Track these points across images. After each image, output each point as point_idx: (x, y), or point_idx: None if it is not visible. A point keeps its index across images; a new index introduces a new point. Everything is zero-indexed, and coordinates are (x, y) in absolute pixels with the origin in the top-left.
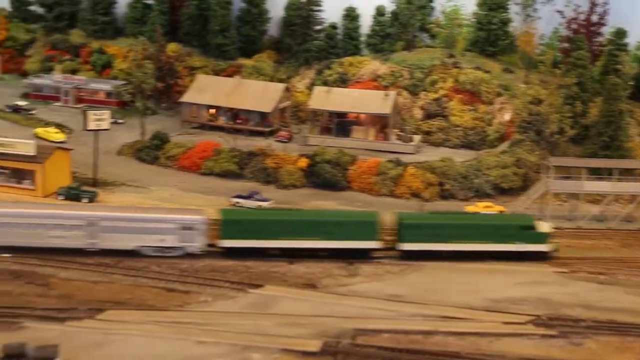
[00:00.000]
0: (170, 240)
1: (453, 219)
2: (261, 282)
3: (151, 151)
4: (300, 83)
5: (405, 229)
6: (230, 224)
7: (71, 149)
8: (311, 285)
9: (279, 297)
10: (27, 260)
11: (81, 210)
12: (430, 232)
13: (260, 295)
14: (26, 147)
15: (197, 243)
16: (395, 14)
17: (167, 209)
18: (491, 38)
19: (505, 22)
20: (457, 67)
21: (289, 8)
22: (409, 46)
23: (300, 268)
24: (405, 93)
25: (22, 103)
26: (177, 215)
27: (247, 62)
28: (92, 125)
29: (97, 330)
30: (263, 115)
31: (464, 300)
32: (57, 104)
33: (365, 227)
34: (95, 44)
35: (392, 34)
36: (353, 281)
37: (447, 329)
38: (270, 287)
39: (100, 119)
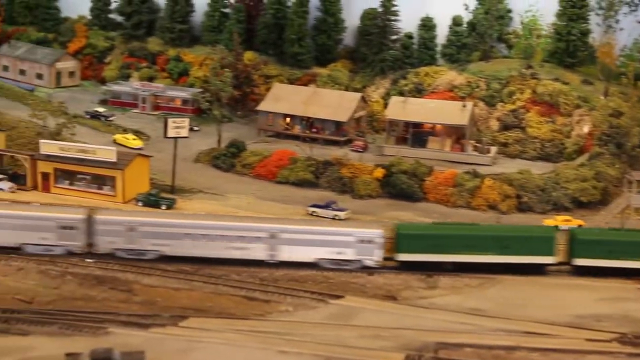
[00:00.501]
0: (348, 254)
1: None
2: (341, 292)
3: (227, 159)
4: (375, 92)
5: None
6: (406, 238)
7: (150, 156)
8: (391, 297)
9: (360, 308)
10: (109, 266)
11: (263, 223)
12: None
13: (341, 306)
14: (107, 153)
15: (374, 256)
16: (472, 24)
17: (344, 223)
18: (570, 49)
19: (585, 33)
20: (535, 79)
21: (365, 17)
22: (486, 57)
23: (379, 279)
24: (481, 104)
25: (101, 109)
26: (356, 229)
27: (322, 71)
28: (171, 133)
29: (180, 337)
30: (338, 125)
31: (546, 315)
32: (134, 110)
33: (543, 242)
34: (172, 52)
35: (468, 44)
36: (433, 294)
37: (530, 344)
38: (351, 298)
39: (179, 126)
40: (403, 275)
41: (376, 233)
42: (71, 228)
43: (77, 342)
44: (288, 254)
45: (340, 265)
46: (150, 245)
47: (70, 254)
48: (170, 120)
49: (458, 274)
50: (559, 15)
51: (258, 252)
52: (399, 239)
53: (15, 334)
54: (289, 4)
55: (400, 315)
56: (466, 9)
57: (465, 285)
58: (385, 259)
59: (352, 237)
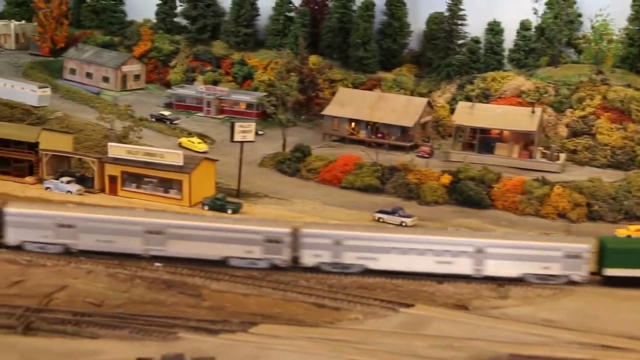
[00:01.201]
0: (555, 269)
1: None
2: (411, 301)
3: (292, 163)
4: (440, 97)
5: None
6: (616, 253)
7: (216, 160)
8: (462, 307)
9: (431, 317)
10: (177, 270)
11: (469, 237)
12: None
13: (411, 315)
14: (174, 157)
15: (581, 272)
16: (541, 29)
17: (547, 237)
18: None
19: None
20: (605, 84)
21: (431, 22)
22: (555, 62)
23: (449, 288)
24: (550, 110)
25: (166, 113)
26: (564, 243)
27: (387, 75)
28: (238, 137)
29: (251, 344)
30: (404, 130)
31: (623, 328)
32: (199, 114)
33: None
34: (236, 56)
35: (537, 49)
36: (504, 304)
37: (607, 359)
38: (421, 307)
39: (246, 130)
40: (473, 284)
41: (584, 248)
42: (277, 242)
43: (148, 347)
44: (494, 268)
45: (545, 281)
46: (355, 259)
47: (275, 268)
48: (237, 125)
49: (529, 284)
50: (632, 19)
51: (464, 267)
52: (607, 254)
53: (85, 337)
54: (354, 8)
55: (472, 325)
56: (535, 13)
57: (537, 296)
58: (592, 273)
59: (560, 251)
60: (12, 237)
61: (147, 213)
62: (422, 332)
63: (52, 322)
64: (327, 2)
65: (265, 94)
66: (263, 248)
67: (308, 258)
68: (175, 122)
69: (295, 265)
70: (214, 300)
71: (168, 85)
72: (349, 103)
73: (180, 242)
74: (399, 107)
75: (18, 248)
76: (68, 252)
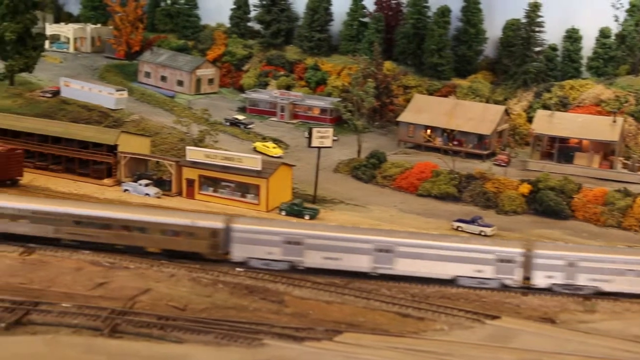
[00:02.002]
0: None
1: None
2: (495, 312)
3: (368, 170)
4: (517, 105)
5: None
6: None
7: (294, 165)
8: (549, 320)
9: (518, 330)
10: (259, 276)
11: None
12: None
13: (497, 327)
14: (252, 161)
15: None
16: (621, 36)
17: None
18: None
19: None
20: None
21: (507, 28)
22: (635, 70)
23: (534, 300)
24: (630, 119)
25: (240, 117)
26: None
27: (461, 82)
28: (315, 143)
29: (336, 352)
30: (480, 138)
31: None
32: (272, 118)
33: None
34: (310, 61)
35: (616, 57)
36: (593, 318)
37: None
38: (507, 319)
39: (323, 136)
40: (559, 297)
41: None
42: (509, 262)
43: (233, 353)
44: None
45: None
46: (589, 280)
47: (505, 287)
48: (315, 130)
49: (618, 298)
50: None
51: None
52: None
53: (171, 341)
54: (429, 14)
55: (560, 339)
56: (616, 20)
57: (625, 310)
58: None
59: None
60: (237, 253)
61: (376, 231)
62: (509, 345)
63: (138, 326)
64: (401, 7)
65: (339, 99)
66: (494, 268)
67: (540, 279)
68: (250, 126)
69: (528, 286)
70: (297, 307)
71: (241, 89)
72: (425, 110)
73: (409, 260)
74: (476, 115)
75: (243, 264)
76: (292, 268)
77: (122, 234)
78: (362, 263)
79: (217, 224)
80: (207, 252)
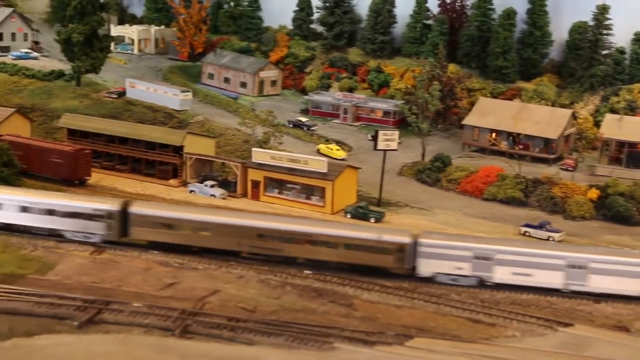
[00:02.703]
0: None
1: None
2: (567, 319)
3: (432, 173)
4: (583, 109)
5: None
6: None
7: (359, 168)
8: (623, 328)
9: (592, 338)
10: (327, 279)
11: None
12: None
13: (571, 335)
14: (318, 164)
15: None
16: None
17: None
18: None
19: None
20: None
21: (574, 31)
22: None
23: (607, 308)
24: None
25: (303, 119)
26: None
27: (526, 85)
28: (381, 145)
29: (408, 357)
30: (547, 142)
31: None
32: (335, 121)
33: None
34: (372, 63)
35: None
36: None
37: None
38: (580, 327)
39: (389, 139)
40: (632, 305)
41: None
42: None
43: (304, 356)
44: None
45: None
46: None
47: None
48: (380, 133)
49: None
50: None
51: None
52: None
53: (242, 343)
54: (494, 16)
55: (635, 348)
56: None
57: None
58: None
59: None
60: (424, 268)
61: (568, 247)
62: (584, 353)
63: (208, 327)
64: (465, 10)
65: (402, 102)
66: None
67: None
68: (313, 128)
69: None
70: (366, 311)
71: (303, 91)
72: (490, 113)
73: (603, 277)
74: (542, 118)
75: (430, 280)
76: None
77: (306, 248)
78: (554, 279)
79: (405, 238)
80: (392, 267)
